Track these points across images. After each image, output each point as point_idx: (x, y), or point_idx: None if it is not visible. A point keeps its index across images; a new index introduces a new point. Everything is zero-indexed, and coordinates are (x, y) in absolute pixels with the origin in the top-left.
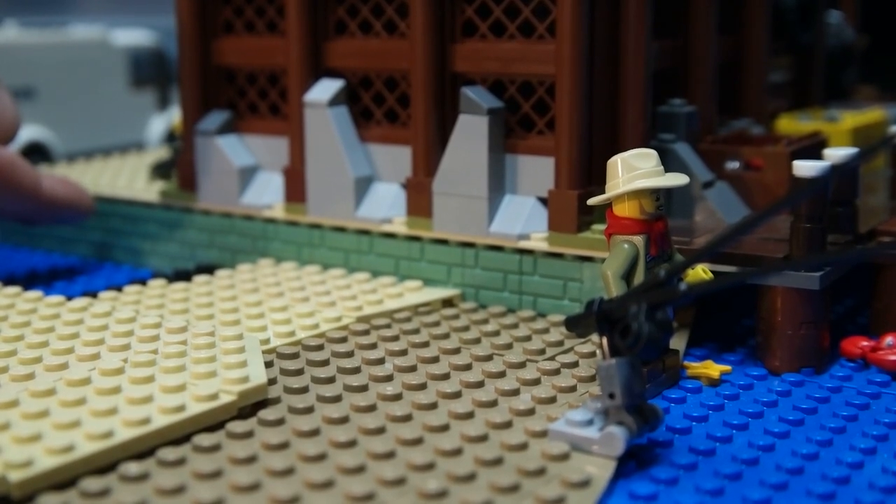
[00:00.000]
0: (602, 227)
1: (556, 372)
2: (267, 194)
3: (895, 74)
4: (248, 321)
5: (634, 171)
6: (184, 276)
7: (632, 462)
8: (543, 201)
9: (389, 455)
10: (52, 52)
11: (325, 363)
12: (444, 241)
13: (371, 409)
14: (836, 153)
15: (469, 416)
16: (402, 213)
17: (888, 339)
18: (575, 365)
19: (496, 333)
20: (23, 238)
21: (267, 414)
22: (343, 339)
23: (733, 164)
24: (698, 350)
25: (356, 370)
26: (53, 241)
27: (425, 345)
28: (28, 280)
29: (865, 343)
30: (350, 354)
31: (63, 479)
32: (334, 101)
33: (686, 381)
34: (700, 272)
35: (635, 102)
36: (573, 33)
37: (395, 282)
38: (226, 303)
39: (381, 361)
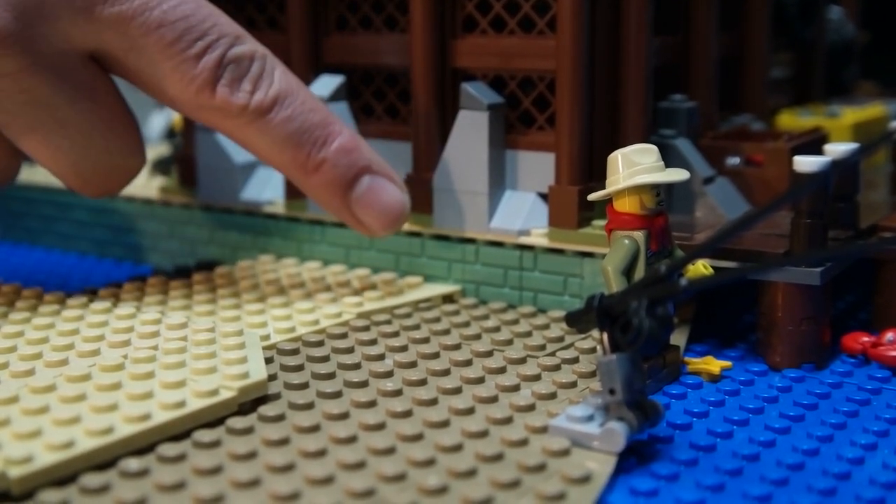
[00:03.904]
0: (602, 222)
1: (557, 368)
2: (267, 190)
3: None
4: (248, 317)
5: (635, 166)
6: (184, 272)
7: (632, 458)
8: (544, 197)
9: (390, 451)
10: None
11: (325, 359)
12: (444, 237)
13: (371, 404)
14: (837, 149)
15: (469, 411)
16: None
17: (889, 335)
18: (575, 361)
19: (496, 329)
20: (23, 234)
21: (267, 410)
22: (343, 335)
23: (734, 160)
24: (699, 346)
25: (356, 366)
26: (54, 238)
27: (426, 341)
28: (28, 276)
29: (866, 339)
30: (350, 350)
31: (63, 476)
32: (335, 97)
33: (687, 377)
34: (701, 268)
35: (636, 98)
36: (573, 28)
37: (395, 278)
38: (226, 299)
39: (381, 357)
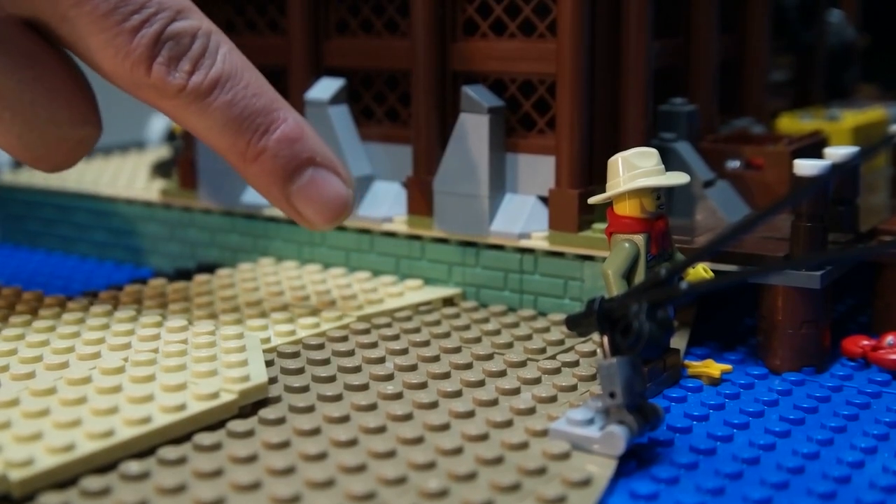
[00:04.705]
0: (603, 225)
1: (557, 371)
2: None
3: None
4: (248, 320)
5: (635, 169)
6: (185, 275)
7: (633, 461)
8: (544, 200)
9: (390, 454)
10: None
11: (325, 362)
12: (444, 240)
13: (372, 408)
14: (837, 152)
15: (470, 415)
16: (403, 212)
17: (889, 338)
18: (576, 364)
19: (497, 332)
20: (24, 237)
21: (267, 413)
22: (344, 338)
23: (734, 163)
24: (699, 349)
25: (357, 369)
26: (54, 241)
27: (426, 344)
28: (28, 279)
29: (866, 342)
30: (351, 353)
31: (64, 478)
32: (335, 100)
33: (687, 380)
34: (701, 271)
35: (636, 101)
36: (574, 32)
37: (395, 281)
38: (226, 302)
39: (381, 360)
